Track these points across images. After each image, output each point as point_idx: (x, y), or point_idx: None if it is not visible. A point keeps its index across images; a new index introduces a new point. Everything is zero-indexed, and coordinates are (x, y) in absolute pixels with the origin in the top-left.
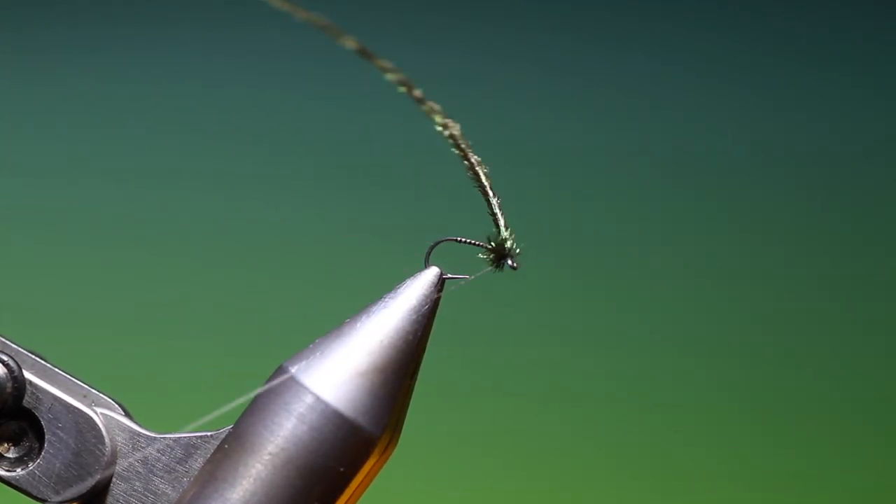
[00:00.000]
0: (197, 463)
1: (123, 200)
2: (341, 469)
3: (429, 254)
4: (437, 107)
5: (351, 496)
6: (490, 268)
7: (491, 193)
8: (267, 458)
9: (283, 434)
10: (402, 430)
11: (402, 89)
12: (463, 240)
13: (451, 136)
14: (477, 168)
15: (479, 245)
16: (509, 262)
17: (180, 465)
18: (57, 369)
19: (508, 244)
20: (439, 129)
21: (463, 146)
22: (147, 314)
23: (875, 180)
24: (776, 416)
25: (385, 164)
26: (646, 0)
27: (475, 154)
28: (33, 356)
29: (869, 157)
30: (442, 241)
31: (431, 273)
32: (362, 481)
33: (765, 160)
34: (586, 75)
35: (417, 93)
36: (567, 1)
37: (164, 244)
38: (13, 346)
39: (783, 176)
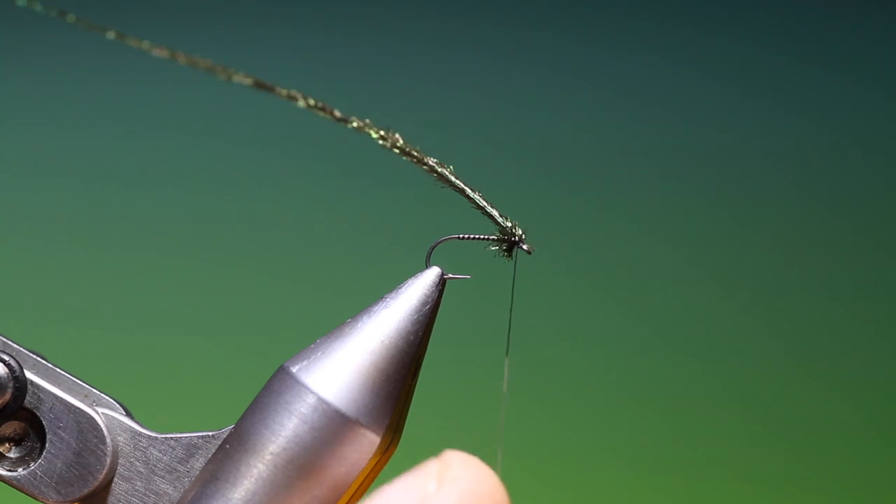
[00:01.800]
0: (198, 463)
1: (124, 200)
2: (343, 469)
3: (430, 253)
4: (366, 122)
5: (352, 496)
6: (501, 255)
7: (469, 190)
8: (269, 457)
9: (285, 434)
10: (404, 430)
11: (321, 114)
12: (467, 236)
13: (396, 147)
14: (440, 170)
15: (486, 238)
16: (524, 246)
17: (182, 464)
18: (58, 369)
19: (518, 230)
20: (380, 143)
21: (415, 153)
22: (147, 314)
23: (876, 181)
24: (783, 418)
25: (385, 164)
26: (647, 0)
27: (432, 157)
28: (34, 356)
29: (870, 158)
30: (444, 240)
31: (432, 273)
32: (364, 481)
33: (767, 161)
34: (587, 75)
35: (336, 112)
36: (569, 1)
37: (163, 244)
38: (14, 345)
39: (783, 176)
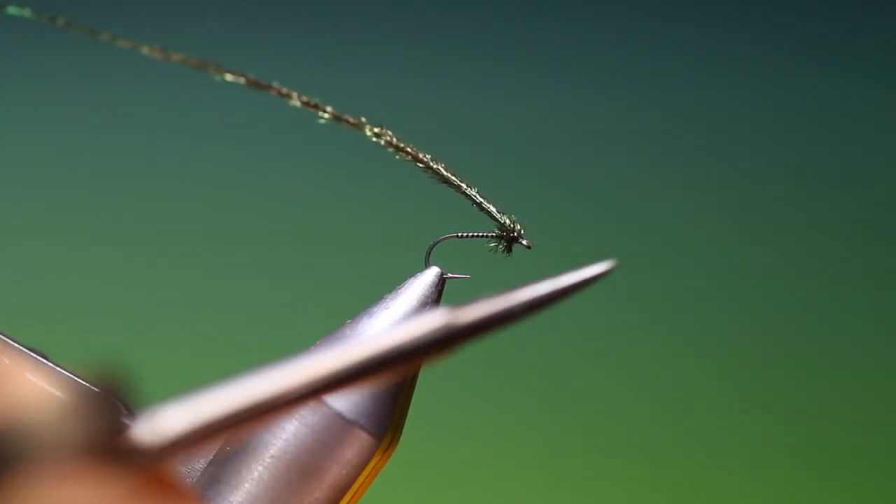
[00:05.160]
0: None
1: (124, 200)
2: (343, 471)
3: (429, 253)
4: (360, 119)
5: (353, 497)
6: (500, 250)
7: (464, 186)
8: (269, 460)
9: (285, 436)
10: (403, 430)
11: (314, 111)
12: (466, 234)
13: (390, 144)
14: (434, 166)
15: (485, 236)
16: (523, 242)
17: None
18: (59, 367)
19: (517, 226)
20: (374, 140)
21: (409, 150)
22: (147, 313)
23: (877, 180)
24: (794, 418)
25: (385, 165)
26: (648, 0)
27: (426, 153)
28: (35, 355)
29: (870, 158)
30: (442, 239)
31: (432, 272)
32: (364, 482)
33: (766, 161)
34: (587, 74)
35: (330, 110)
36: (569, 1)
37: (164, 244)
38: (14, 344)
39: (783, 176)
